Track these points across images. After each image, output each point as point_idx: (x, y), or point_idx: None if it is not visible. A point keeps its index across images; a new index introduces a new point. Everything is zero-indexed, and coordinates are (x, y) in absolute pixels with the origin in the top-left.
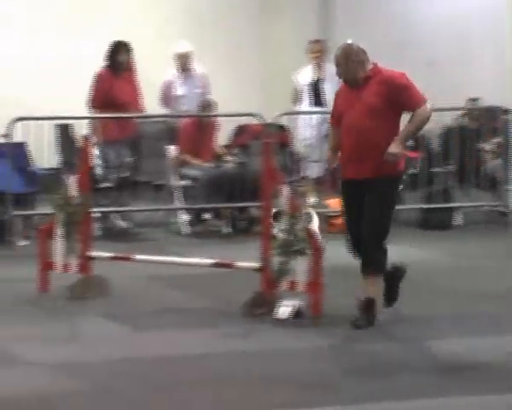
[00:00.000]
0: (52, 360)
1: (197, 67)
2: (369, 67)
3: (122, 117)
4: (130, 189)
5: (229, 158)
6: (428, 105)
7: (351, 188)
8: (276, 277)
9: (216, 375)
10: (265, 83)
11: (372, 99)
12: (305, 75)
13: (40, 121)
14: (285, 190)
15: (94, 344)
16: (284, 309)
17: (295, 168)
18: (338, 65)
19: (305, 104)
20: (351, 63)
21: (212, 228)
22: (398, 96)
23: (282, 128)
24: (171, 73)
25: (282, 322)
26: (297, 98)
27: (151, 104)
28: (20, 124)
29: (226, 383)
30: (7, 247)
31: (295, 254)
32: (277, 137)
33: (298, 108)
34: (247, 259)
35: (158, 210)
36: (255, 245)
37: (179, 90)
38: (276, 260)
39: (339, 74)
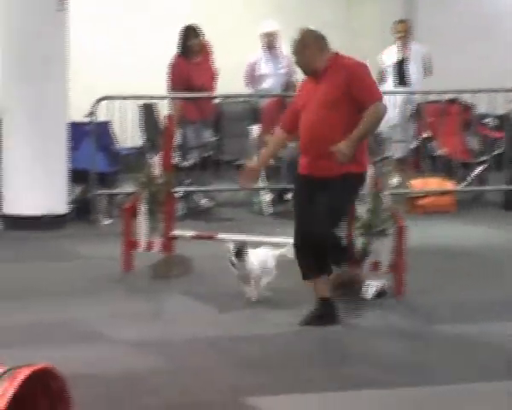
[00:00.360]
0: (136, 338)
1: (283, 47)
2: (330, 55)
3: (203, 98)
4: (212, 168)
5: None
6: (383, 103)
7: (305, 183)
8: (360, 257)
9: (298, 352)
10: None
11: (329, 90)
12: (390, 55)
13: (124, 101)
14: (368, 171)
15: (178, 322)
16: (368, 289)
17: (379, 149)
18: (295, 53)
19: (390, 84)
20: (309, 51)
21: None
22: (353, 87)
23: None
24: (256, 52)
25: (365, 302)
26: (381, 78)
27: (234, 84)
28: (104, 103)
29: (309, 360)
30: (91, 226)
31: (378, 234)
32: None
33: (382, 88)
34: None
35: (240, 190)
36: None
37: (264, 70)
38: (359, 241)
39: (296, 64)
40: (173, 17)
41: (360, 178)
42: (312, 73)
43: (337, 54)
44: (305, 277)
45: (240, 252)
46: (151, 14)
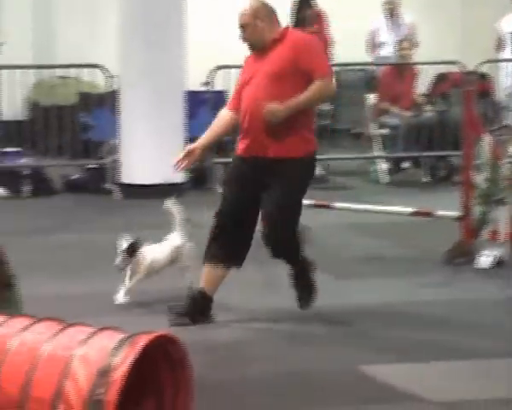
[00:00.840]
0: (251, 306)
1: (406, 15)
2: (278, 29)
3: None
4: (328, 137)
5: (428, 106)
6: (331, 81)
7: (244, 165)
8: (477, 226)
9: (420, 322)
10: (466, 31)
11: (276, 62)
12: (509, 23)
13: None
14: (486, 140)
15: (289, 291)
16: (486, 259)
17: (496, 117)
18: (243, 26)
19: (508, 52)
20: (259, 23)
21: (411, 177)
22: (301, 60)
23: (483, 76)
24: (377, 19)
25: (483, 271)
26: (500, 46)
27: (351, 52)
28: (220, 72)
29: (429, 329)
30: (208, 194)
31: (497, 203)
32: (478, 85)
33: (500, 56)
34: (446, 208)
35: (356, 159)
36: (455, 194)
37: (383, 37)
38: (476, 210)
39: (243, 38)
40: None
41: (312, 159)
42: (260, 48)
43: (287, 28)
44: (216, 260)
45: (133, 247)
46: None
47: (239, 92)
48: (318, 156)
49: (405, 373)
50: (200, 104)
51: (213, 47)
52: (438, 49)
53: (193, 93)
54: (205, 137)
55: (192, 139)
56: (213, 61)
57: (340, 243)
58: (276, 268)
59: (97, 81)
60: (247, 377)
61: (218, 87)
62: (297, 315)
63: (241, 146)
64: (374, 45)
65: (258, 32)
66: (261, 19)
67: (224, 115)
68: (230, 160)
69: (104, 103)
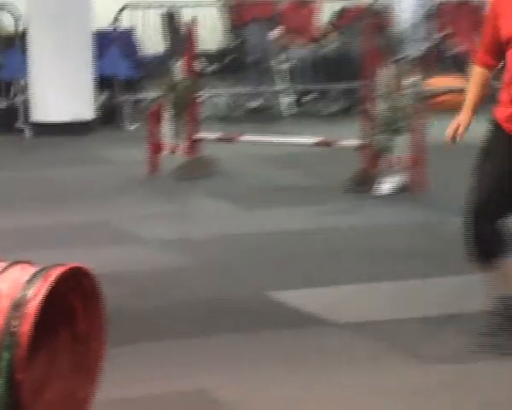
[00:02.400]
0: (164, 237)
1: None
2: None
3: None
4: (235, 71)
5: (331, 39)
6: None
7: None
8: (378, 154)
9: (324, 248)
10: None
11: None
12: None
13: (147, 10)
14: (385, 71)
15: (205, 222)
16: (386, 185)
17: (397, 48)
18: None
19: None
20: None
21: (315, 109)
22: None
23: (382, 9)
24: None
25: (384, 198)
26: None
27: None
28: (127, 11)
29: (334, 256)
30: (117, 131)
31: (398, 131)
32: (377, 18)
33: None
34: (348, 138)
35: (262, 92)
36: (357, 125)
37: None
38: (378, 138)
39: None
40: None
41: None
42: None
43: None
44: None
45: None
46: None
47: (495, 41)
48: (223, 90)
49: (311, 298)
50: (109, 43)
51: None
52: None
53: (101, 33)
54: (472, 98)
55: (101, 77)
56: (121, 1)
57: (248, 174)
58: (193, 199)
59: (6, 22)
60: (162, 306)
61: (125, 26)
62: (208, 244)
63: (499, 115)
64: None
65: None
66: None
67: (479, 74)
68: (139, 97)
69: (13, 43)
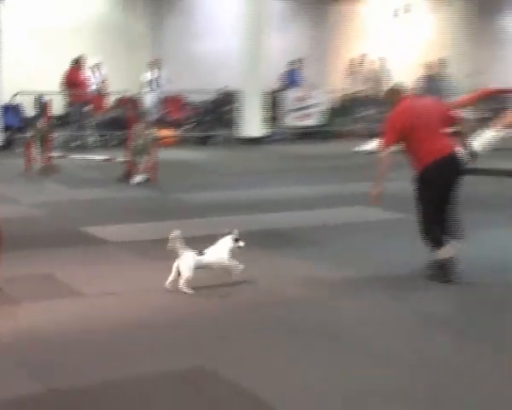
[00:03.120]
0: None
1: (103, 67)
2: None
3: None
4: (69, 123)
5: (116, 110)
6: None
7: (433, 174)
8: (134, 163)
9: (128, 201)
10: (132, 72)
11: None
12: (149, 73)
13: (30, 95)
14: (139, 125)
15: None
16: (137, 178)
17: (144, 116)
18: None
19: (147, 90)
20: None
21: (104, 142)
22: None
23: (137, 98)
24: (89, 71)
25: (137, 185)
26: (143, 86)
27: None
28: (20, 95)
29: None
30: (10, 151)
31: (144, 153)
32: (133, 103)
33: (144, 91)
34: (119, 157)
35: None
36: (123, 150)
37: (92, 80)
38: (134, 156)
39: None
40: None
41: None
42: None
43: None
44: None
45: None
46: None
47: (397, 133)
48: (62, 133)
49: (108, 230)
50: (9, 110)
51: None
52: (118, 82)
53: (7, 105)
54: (379, 178)
55: (5, 125)
56: (16, 88)
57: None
58: (37, 183)
59: None
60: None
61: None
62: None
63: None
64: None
65: None
66: None
67: (387, 157)
68: (24, 135)
69: None
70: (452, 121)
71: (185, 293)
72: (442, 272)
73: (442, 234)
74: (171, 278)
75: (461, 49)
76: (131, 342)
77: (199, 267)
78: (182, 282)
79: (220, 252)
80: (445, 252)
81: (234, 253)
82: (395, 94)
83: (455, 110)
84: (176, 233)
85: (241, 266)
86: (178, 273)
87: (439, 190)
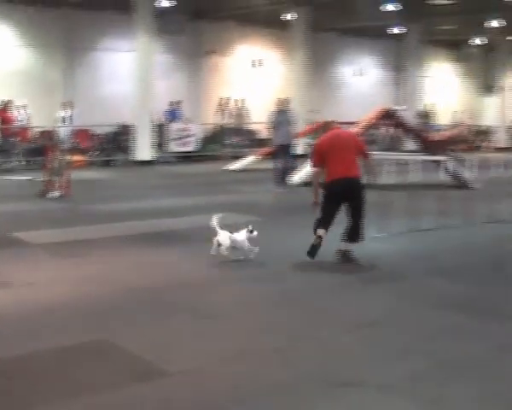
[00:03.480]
0: None
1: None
2: None
3: None
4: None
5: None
6: None
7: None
8: (52, 183)
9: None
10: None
11: None
12: (62, 112)
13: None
14: (56, 151)
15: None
16: (52, 194)
17: (59, 144)
18: None
19: (59, 124)
20: None
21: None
22: None
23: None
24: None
25: (53, 199)
26: (58, 121)
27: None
28: None
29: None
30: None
31: (59, 174)
32: (47, 134)
33: (57, 124)
34: (39, 177)
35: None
36: (42, 172)
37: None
38: (50, 177)
39: None
40: None
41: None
42: None
43: None
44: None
45: None
46: None
47: (321, 158)
48: None
49: (30, 234)
50: None
51: None
52: (39, 119)
53: None
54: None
55: None
56: None
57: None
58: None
59: None
60: None
61: None
62: None
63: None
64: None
65: None
66: None
67: (318, 174)
68: None
69: None
70: (362, 154)
71: (224, 256)
72: (312, 251)
73: (322, 228)
74: (213, 247)
75: (302, 91)
76: (45, 322)
77: (231, 242)
78: (223, 248)
79: (242, 237)
80: (315, 239)
81: (249, 239)
82: (327, 126)
83: (366, 146)
84: (216, 217)
85: (257, 249)
86: (218, 244)
87: (336, 201)
